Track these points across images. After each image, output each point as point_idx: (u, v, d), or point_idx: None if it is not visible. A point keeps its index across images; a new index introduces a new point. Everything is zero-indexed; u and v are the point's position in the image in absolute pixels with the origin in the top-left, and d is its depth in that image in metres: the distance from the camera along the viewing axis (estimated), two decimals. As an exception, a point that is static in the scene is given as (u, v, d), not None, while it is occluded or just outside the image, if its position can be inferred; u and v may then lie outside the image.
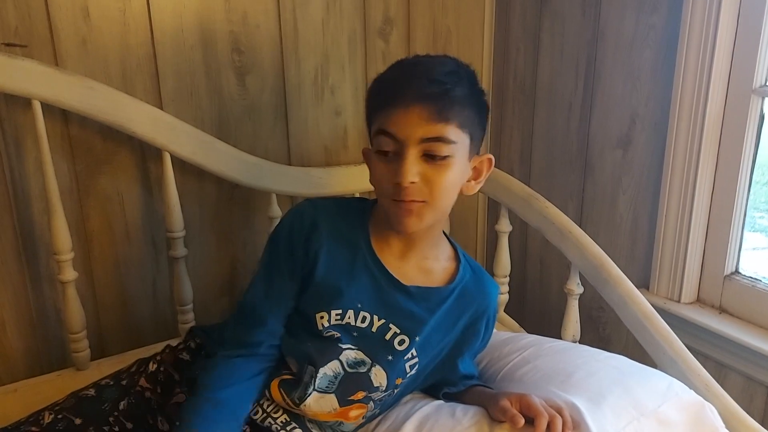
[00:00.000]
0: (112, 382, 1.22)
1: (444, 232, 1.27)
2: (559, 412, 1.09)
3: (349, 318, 1.15)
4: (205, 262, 1.71)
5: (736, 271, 1.60)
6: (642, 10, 1.59)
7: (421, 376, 1.23)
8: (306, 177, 1.73)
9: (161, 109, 1.53)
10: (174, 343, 1.31)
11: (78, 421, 1.14)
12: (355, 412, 1.18)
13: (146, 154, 1.56)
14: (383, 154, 1.09)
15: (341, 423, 1.18)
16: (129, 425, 1.17)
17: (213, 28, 1.57)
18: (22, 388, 1.48)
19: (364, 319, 1.15)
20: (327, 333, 1.14)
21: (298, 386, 1.14)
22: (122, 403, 1.19)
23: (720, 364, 1.57)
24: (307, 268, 1.15)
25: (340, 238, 1.17)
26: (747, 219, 1.56)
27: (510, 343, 1.40)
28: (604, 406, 1.14)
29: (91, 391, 1.20)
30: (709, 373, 1.32)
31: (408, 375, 1.19)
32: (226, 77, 1.61)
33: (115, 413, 1.17)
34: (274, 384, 1.16)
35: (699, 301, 1.65)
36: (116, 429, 1.16)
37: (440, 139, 1.05)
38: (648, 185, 1.66)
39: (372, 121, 1.12)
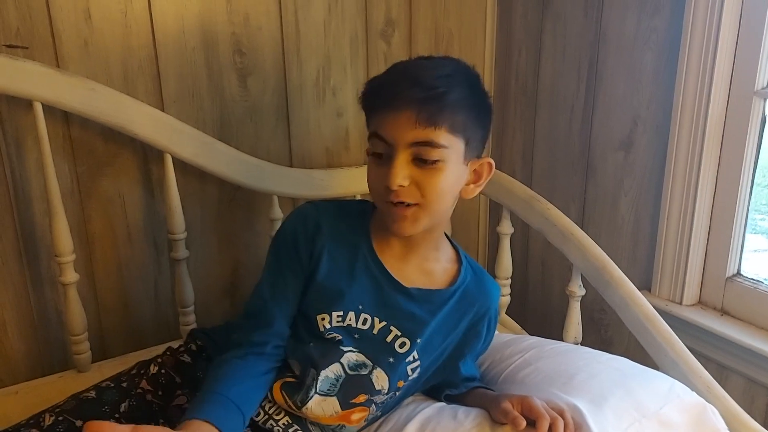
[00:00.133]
0: (112, 384, 1.22)
1: (446, 234, 1.27)
2: (561, 414, 1.09)
3: (350, 320, 1.15)
4: (207, 264, 1.71)
5: (738, 273, 1.60)
6: (644, 12, 1.59)
7: (423, 379, 1.23)
8: (307, 179, 1.73)
9: (163, 110, 1.53)
10: (175, 345, 1.31)
11: (79, 423, 1.13)
12: (357, 415, 1.18)
13: (148, 155, 1.56)
14: (377, 156, 1.09)
15: (343, 426, 1.18)
16: (130, 427, 1.17)
17: (215, 29, 1.57)
18: (23, 389, 1.48)
19: (365, 321, 1.15)
20: (328, 335, 1.14)
21: (300, 389, 1.14)
22: (123, 405, 1.18)
23: (721, 366, 1.57)
24: (310, 269, 1.15)
25: (341, 239, 1.17)
26: (748, 221, 1.56)
27: (511, 345, 1.40)
28: (606, 407, 1.14)
29: (92, 393, 1.20)
30: (711, 374, 1.32)
31: (410, 377, 1.19)
32: (227, 79, 1.61)
33: (116, 415, 1.17)
34: (276, 386, 1.15)
35: (701, 303, 1.65)
36: (117, 431, 1.16)
37: (429, 144, 1.05)
38: (650, 187, 1.66)
39: (368, 122, 1.13)
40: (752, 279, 1.57)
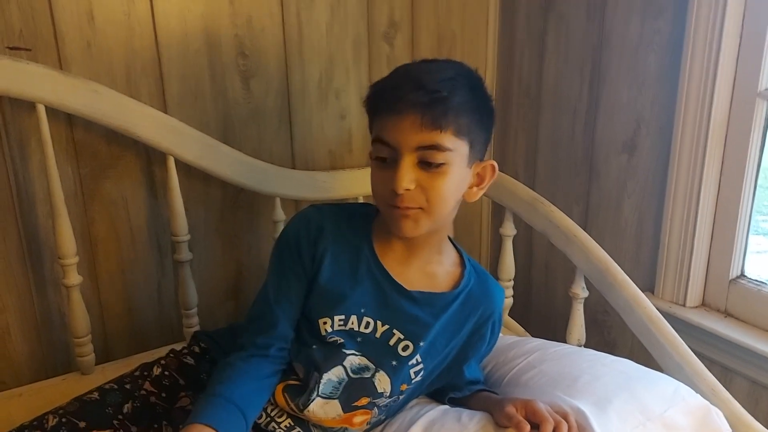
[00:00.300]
0: (116, 386, 1.22)
1: (450, 238, 1.27)
2: (565, 417, 1.09)
3: (352, 323, 1.15)
4: (210, 266, 1.71)
5: (742, 275, 1.59)
6: (647, 14, 1.58)
7: (427, 382, 1.23)
8: (310, 181, 1.73)
9: (166, 112, 1.53)
10: (178, 347, 1.31)
11: (82, 424, 1.13)
12: (360, 418, 1.17)
13: (151, 158, 1.56)
14: (381, 160, 1.09)
15: (346, 429, 1.18)
16: (133, 429, 1.17)
17: (218, 32, 1.57)
18: (27, 392, 1.48)
19: (367, 325, 1.15)
20: (330, 338, 1.14)
21: (302, 392, 1.14)
22: (126, 407, 1.18)
23: (725, 368, 1.57)
24: (313, 272, 1.15)
25: (344, 243, 1.17)
26: (752, 222, 1.56)
27: (515, 348, 1.39)
28: (610, 410, 1.14)
29: (95, 395, 1.20)
30: (715, 377, 1.32)
31: (413, 381, 1.19)
32: (230, 81, 1.61)
33: (119, 417, 1.17)
34: (279, 389, 1.16)
35: (704, 304, 1.64)
36: (120, 433, 1.16)
37: (435, 147, 1.05)
38: (653, 189, 1.66)
39: (371, 126, 1.13)
40: (756, 281, 1.56)
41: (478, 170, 1.15)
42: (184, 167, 1.55)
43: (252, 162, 1.62)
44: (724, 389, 1.29)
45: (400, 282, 1.17)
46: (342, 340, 1.14)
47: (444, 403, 1.26)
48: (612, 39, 1.68)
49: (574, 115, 1.81)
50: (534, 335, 1.68)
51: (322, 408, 1.14)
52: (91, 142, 1.50)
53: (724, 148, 1.52)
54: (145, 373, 1.24)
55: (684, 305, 1.63)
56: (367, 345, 1.16)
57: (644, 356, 1.42)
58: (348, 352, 1.15)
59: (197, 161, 1.54)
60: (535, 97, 1.92)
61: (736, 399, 1.28)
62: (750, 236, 1.57)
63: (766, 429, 1.23)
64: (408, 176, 1.05)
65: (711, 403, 1.22)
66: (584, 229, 1.54)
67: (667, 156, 1.59)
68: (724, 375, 1.56)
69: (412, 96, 1.04)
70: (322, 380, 1.13)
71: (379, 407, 1.18)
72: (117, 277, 1.60)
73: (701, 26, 1.45)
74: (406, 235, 1.11)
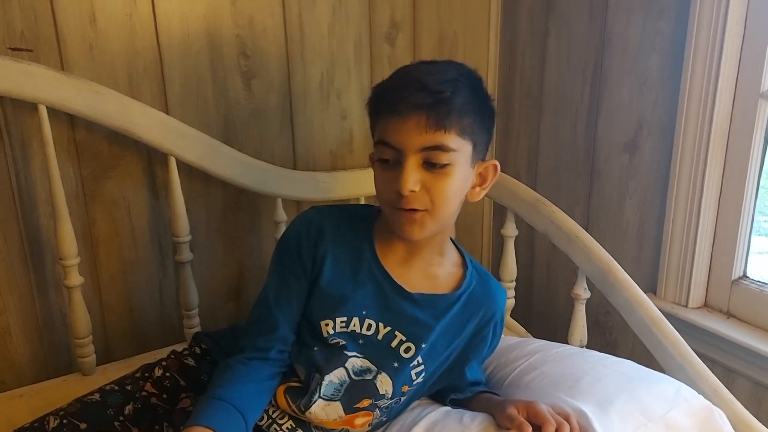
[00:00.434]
0: (117, 388, 1.22)
1: (451, 239, 1.27)
2: (567, 418, 1.09)
3: (354, 325, 1.14)
4: (211, 267, 1.71)
5: (744, 276, 1.59)
6: (649, 15, 1.58)
7: (428, 383, 1.23)
8: (312, 181, 1.73)
9: (167, 113, 1.53)
10: (179, 348, 1.31)
11: (83, 426, 1.13)
12: (361, 420, 1.17)
13: (152, 158, 1.56)
14: (384, 162, 1.09)
15: (347, 431, 1.18)
16: (134, 430, 1.17)
17: (219, 32, 1.57)
18: (28, 393, 1.48)
19: (369, 327, 1.15)
20: (332, 340, 1.14)
21: (303, 394, 1.14)
22: (127, 408, 1.18)
23: (728, 369, 1.56)
24: (314, 274, 1.15)
25: (345, 244, 1.17)
26: (754, 223, 1.55)
27: (517, 349, 1.39)
28: (612, 411, 1.14)
29: (96, 396, 1.20)
30: (717, 378, 1.31)
31: (414, 382, 1.18)
32: (232, 81, 1.61)
33: (120, 418, 1.17)
34: (280, 390, 1.16)
35: (706, 305, 1.64)
36: (121, 434, 1.16)
37: (439, 148, 1.05)
38: (655, 190, 1.66)
39: (373, 129, 1.13)
40: (758, 281, 1.56)
41: (481, 170, 1.15)
42: (185, 168, 1.55)
43: (253, 162, 1.62)
44: (727, 390, 1.29)
45: (401, 284, 1.17)
46: (344, 342, 1.14)
47: (445, 405, 1.26)
48: (614, 40, 1.67)
49: (576, 116, 1.81)
50: (535, 336, 1.68)
51: (323, 410, 1.14)
52: (92, 142, 1.49)
53: (726, 148, 1.52)
54: (146, 374, 1.24)
55: (686, 306, 1.63)
56: (368, 347, 1.15)
57: (646, 357, 1.42)
58: (350, 354, 1.15)
59: (199, 162, 1.53)
60: (536, 98, 1.92)
61: (738, 400, 1.28)
62: (752, 237, 1.57)
63: (768, 430, 1.24)
64: (413, 177, 1.05)
65: (713, 404, 1.21)
66: (586, 230, 1.53)
67: (669, 157, 1.58)
68: (727, 376, 1.56)
69: (416, 97, 1.04)
70: (323, 382, 1.13)
71: (380, 409, 1.18)
72: (118, 277, 1.60)
73: (703, 27, 1.45)
74: (412, 238, 1.11)
